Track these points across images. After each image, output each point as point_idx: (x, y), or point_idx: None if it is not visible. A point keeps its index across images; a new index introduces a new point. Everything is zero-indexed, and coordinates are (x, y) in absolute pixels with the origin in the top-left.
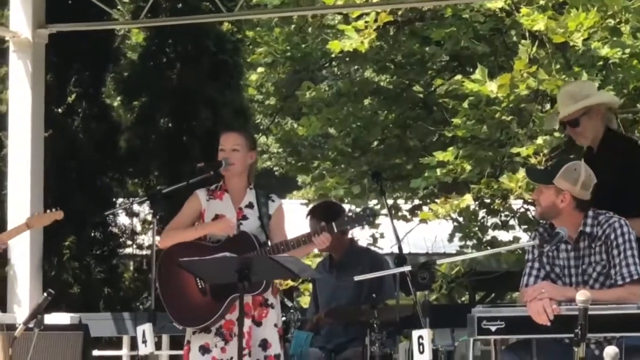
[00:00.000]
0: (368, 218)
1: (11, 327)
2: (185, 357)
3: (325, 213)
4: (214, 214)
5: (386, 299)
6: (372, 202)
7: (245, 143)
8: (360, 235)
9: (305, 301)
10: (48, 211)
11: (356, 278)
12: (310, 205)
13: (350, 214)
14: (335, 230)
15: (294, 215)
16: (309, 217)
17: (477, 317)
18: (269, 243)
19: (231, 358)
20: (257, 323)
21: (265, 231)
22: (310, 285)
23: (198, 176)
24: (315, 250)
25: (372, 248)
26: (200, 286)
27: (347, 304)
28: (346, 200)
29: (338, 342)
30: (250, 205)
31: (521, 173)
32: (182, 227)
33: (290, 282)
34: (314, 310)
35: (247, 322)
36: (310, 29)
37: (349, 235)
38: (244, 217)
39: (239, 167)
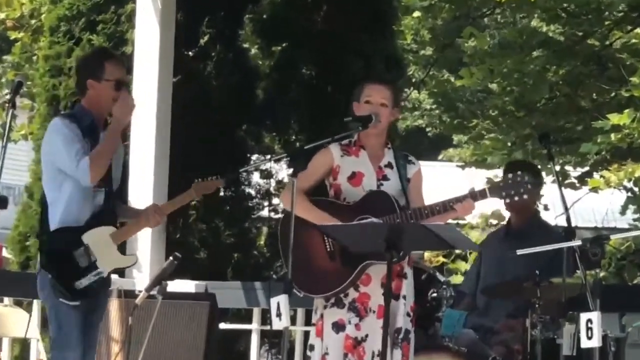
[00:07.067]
0: (526, 185)
1: (130, 294)
2: (317, 334)
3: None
4: (350, 172)
5: (554, 276)
6: None
7: (392, 98)
8: None
9: (456, 280)
10: (210, 178)
11: (519, 252)
12: (508, 161)
13: (508, 179)
14: (489, 196)
15: (447, 178)
16: (504, 173)
17: None
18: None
19: (366, 336)
20: (395, 296)
21: (406, 195)
22: (462, 265)
23: (345, 132)
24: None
25: None
26: (329, 249)
27: (514, 279)
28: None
29: (495, 323)
30: (389, 165)
31: None
32: (309, 185)
33: (440, 258)
34: (472, 284)
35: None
36: None
37: (536, 206)
38: (385, 178)
39: (385, 124)
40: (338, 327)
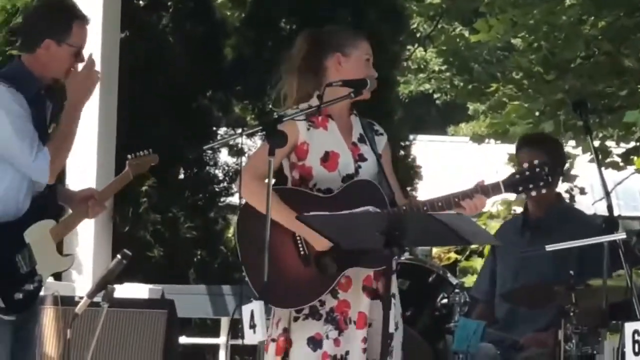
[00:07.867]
0: (546, 178)
1: (69, 301)
2: (278, 352)
3: (545, 146)
4: (322, 152)
5: (592, 277)
6: (570, 144)
7: None
8: None
9: (470, 281)
10: (142, 153)
11: (549, 247)
12: (521, 136)
13: (525, 170)
14: (504, 191)
15: (459, 156)
16: (519, 149)
17: None
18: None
19: (347, 353)
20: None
21: (387, 179)
22: (478, 262)
23: (332, 98)
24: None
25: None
26: (302, 252)
27: (540, 281)
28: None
29: (520, 336)
30: (362, 140)
31: None
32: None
33: (452, 255)
34: (485, 287)
35: (366, 300)
36: None
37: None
38: (362, 158)
39: None
40: (315, 343)
